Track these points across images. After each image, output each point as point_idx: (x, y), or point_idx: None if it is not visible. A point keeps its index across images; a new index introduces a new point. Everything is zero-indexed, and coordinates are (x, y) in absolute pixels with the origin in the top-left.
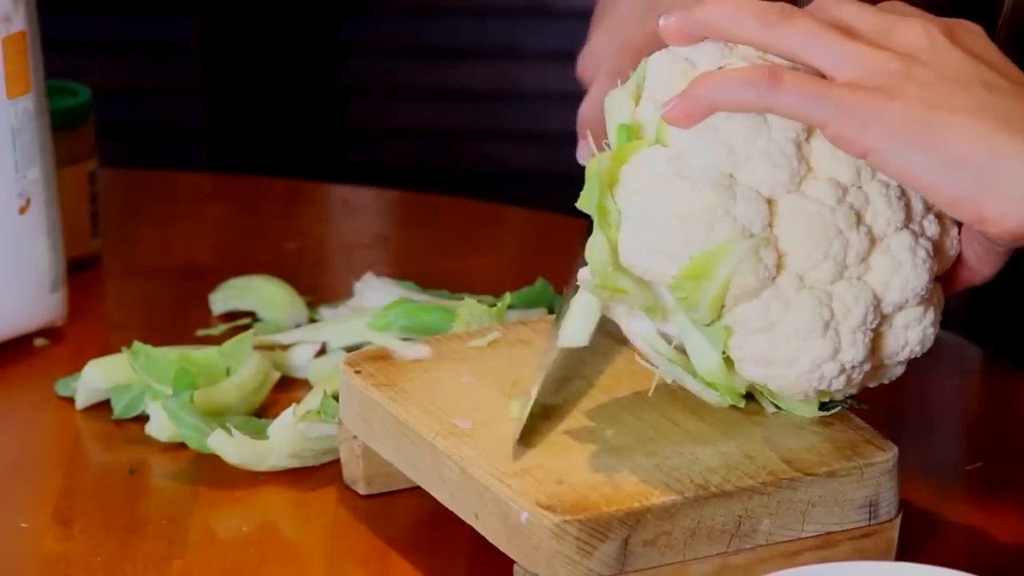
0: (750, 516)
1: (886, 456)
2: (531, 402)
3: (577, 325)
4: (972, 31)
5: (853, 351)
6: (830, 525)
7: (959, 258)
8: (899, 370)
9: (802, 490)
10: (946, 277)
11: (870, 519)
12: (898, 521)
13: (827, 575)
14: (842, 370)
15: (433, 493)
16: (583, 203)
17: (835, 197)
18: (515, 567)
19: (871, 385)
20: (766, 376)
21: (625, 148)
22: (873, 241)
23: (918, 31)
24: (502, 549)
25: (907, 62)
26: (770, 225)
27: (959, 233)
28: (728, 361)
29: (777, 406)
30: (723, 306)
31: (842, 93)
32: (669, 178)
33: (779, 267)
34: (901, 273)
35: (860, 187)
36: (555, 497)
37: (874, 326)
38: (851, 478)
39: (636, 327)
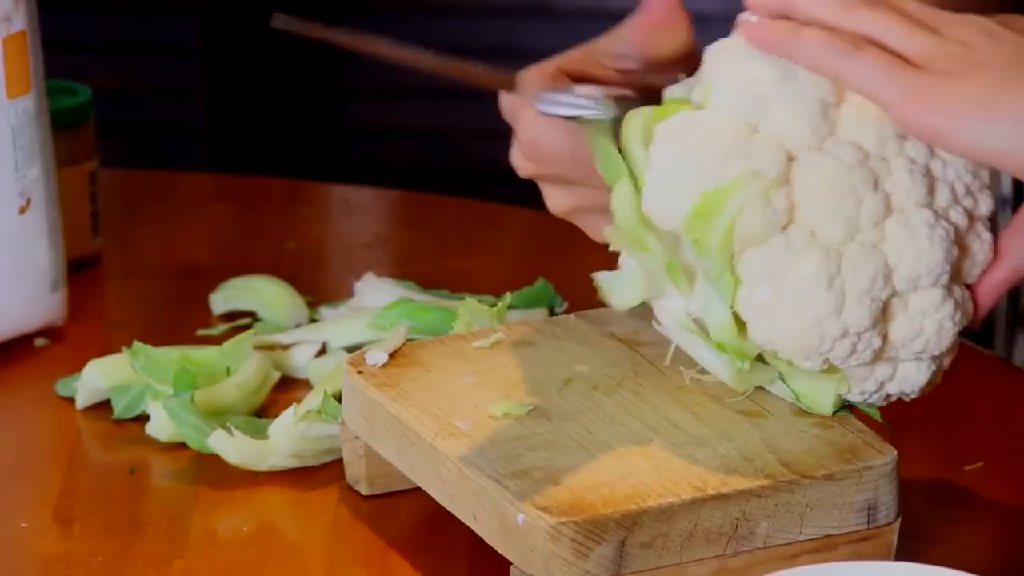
0: (748, 519)
1: (885, 460)
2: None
3: (624, 287)
4: (1021, 19)
5: (858, 313)
6: (828, 528)
7: (1003, 261)
8: (920, 376)
9: (800, 493)
10: (982, 286)
11: (868, 523)
12: (897, 525)
13: (827, 575)
14: (845, 332)
15: (432, 494)
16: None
17: (855, 159)
18: (511, 568)
19: (892, 393)
20: (772, 332)
21: (667, 107)
22: (889, 208)
23: (974, 24)
24: (499, 550)
25: (971, 49)
26: (787, 179)
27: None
28: (740, 323)
29: (797, 397)
30: (732, 255)
31: (914, 74)
32: (694, 124)
33: (791, 220)
34: (915, 245)
35: (884, 158)
36: (551, 498)
37: (884, 296)
38: (849, 481)
39: (666, 304)
